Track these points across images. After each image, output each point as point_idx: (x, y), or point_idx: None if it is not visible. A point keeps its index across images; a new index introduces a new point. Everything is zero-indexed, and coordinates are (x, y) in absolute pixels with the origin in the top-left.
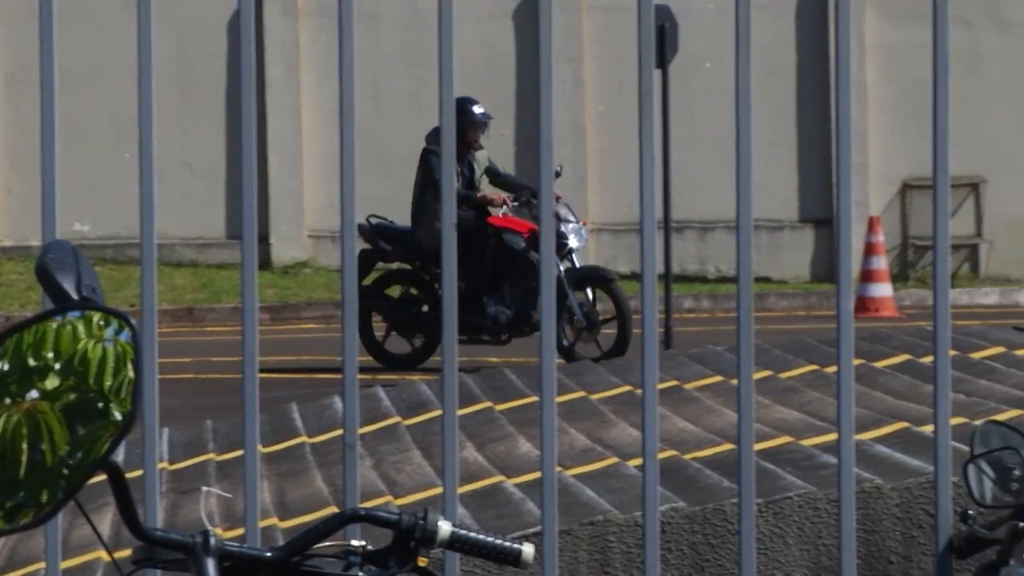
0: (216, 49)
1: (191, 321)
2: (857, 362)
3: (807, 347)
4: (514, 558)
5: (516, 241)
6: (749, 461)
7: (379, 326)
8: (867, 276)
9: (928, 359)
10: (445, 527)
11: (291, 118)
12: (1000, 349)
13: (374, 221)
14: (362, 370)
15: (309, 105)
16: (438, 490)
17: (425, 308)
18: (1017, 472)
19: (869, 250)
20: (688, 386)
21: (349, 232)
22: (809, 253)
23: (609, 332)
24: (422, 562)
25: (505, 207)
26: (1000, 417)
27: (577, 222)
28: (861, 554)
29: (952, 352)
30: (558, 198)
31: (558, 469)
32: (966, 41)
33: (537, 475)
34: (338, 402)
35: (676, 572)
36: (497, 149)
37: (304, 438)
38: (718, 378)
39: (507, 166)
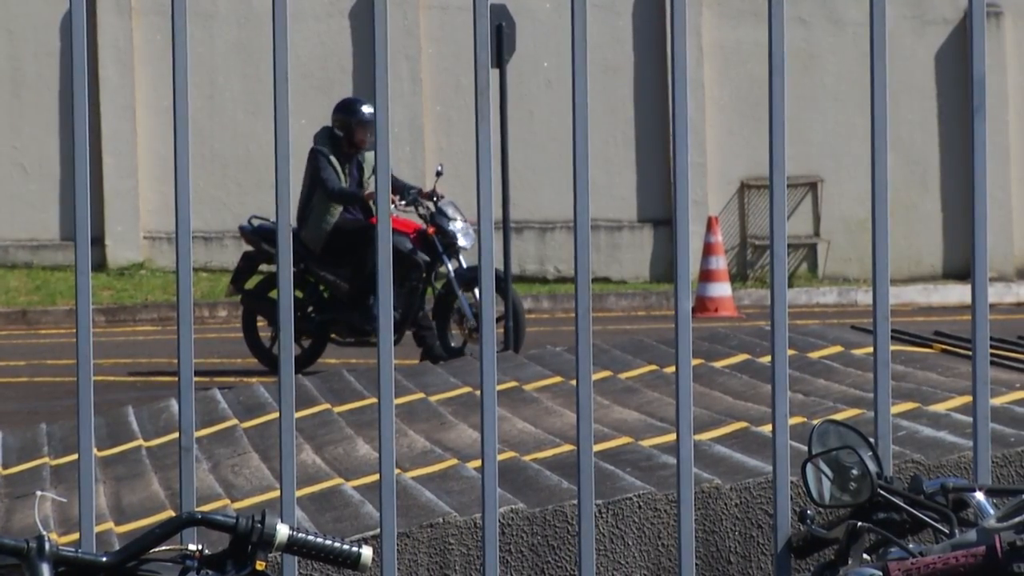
0: (49, 49)
1: (25, 324)
2: (696, 362)
3: (646, 347)
4: (353, 561)
5: (402, 242)
6: (588, 462)
7: (256, 327)
8: (706, 276)
9: (767, 359)
10: (283, 530)
11: (126, 118)
12: (838, 348)
13: (256, 223)
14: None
15: (144, 105)
16: (276, 493)
17: (310, 310)
18: (855, 471)
19: (708, 250)
20: (528, 387)
21: (184, 232)
22: (648, 253)
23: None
24: (260, 566)
25: (392, 207)
26: (838, 416)
27: (464, 221)
28: (700, 554)
29: (790, 351)
30: (442, 197)
31: (397, 471)
32: (802, 40)
33: (376, 477)
34: (175, 405)
35: (516, 574)
36: None
37: (140, 441)
38: (558, 379)
39: None
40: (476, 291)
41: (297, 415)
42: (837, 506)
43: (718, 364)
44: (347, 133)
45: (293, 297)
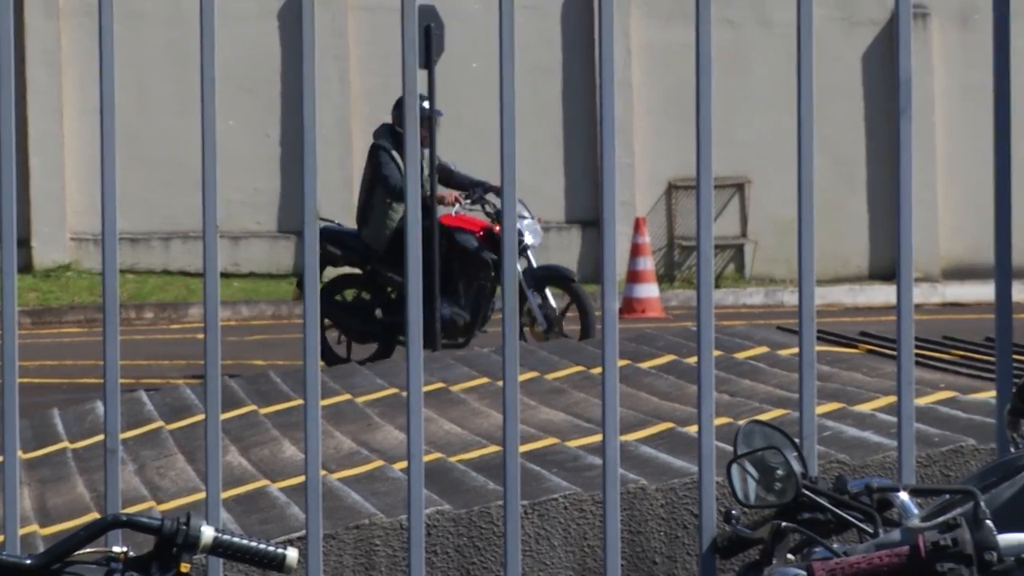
0: None
1: None
2: (623, 363)
3: (573, 348)
4: (278, 563)
5: (469, 240)
6: (514, 463)
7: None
8: (633, 277)
9: (693, 359)
10: (208, 532)
11: (53, 119)
12: (764, 349)
13: (321, 224)
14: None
15: (71, 106)
16: (202, 495)
17: (377, 313)
18: (780, 472)
19: (635, 251)
20: (454, 388)
21: (111, 234)
22: (576, 254)
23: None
24: (185, 568)
25: (457, 205)
26: (763, 417)
27: (532, 218)
28: (626, 555)
29: (717, 352)
30: None
31: (323, 472)
32: (731, 41)
33: (302, 479)
34: (100, 407)
35: (441, 575)
36: (263, 150)
37: (66, 443)
38: (484, 380)
39: (271, 168)
40: (547, 291)
41: (223, 416)
42: (762, 506)
43: (645, 365)
44: None
45: (361, 299)
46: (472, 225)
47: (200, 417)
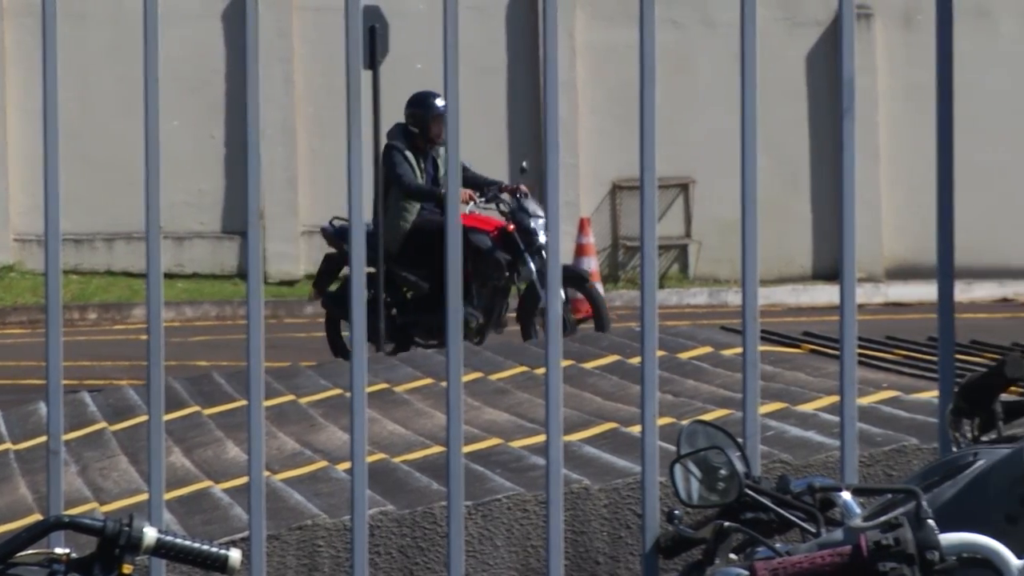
0: None
1: None
2: (566, 363)
3: (517, 349)
4: (221, 564)
5: (483, 240)
6: (458, 463)
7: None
8: None
9: (637, 360)
10: (151, 533)
11: None
12: (708, 349)
13: (337, 224)
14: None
15: (14, 107)
16: (144, 496)
17: (393, 312)
18: (723, 472)
19: (579, 251)
20: (398, 388)
21: (54, 234)
22: None
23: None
24: (127, 569)
25: (472, 204)
26: (707, 417)
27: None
28: (569, 555)
29: (660, 353)
30: (526, 194)
31: (267, 473)
32: (675, 42)
33: (245, 480)
34: (43, 408)
35: (385, 575)
36: (207, 151)
37: (8, 445)
38: (428, 380)
39: (216, 169)
40: (561, 292)
41: (167, 417)
42: (705, 506)
43: (588, 365)
44: (422, 128)
45: (375, 299)
46: (487, 225)
47: (143, 418)
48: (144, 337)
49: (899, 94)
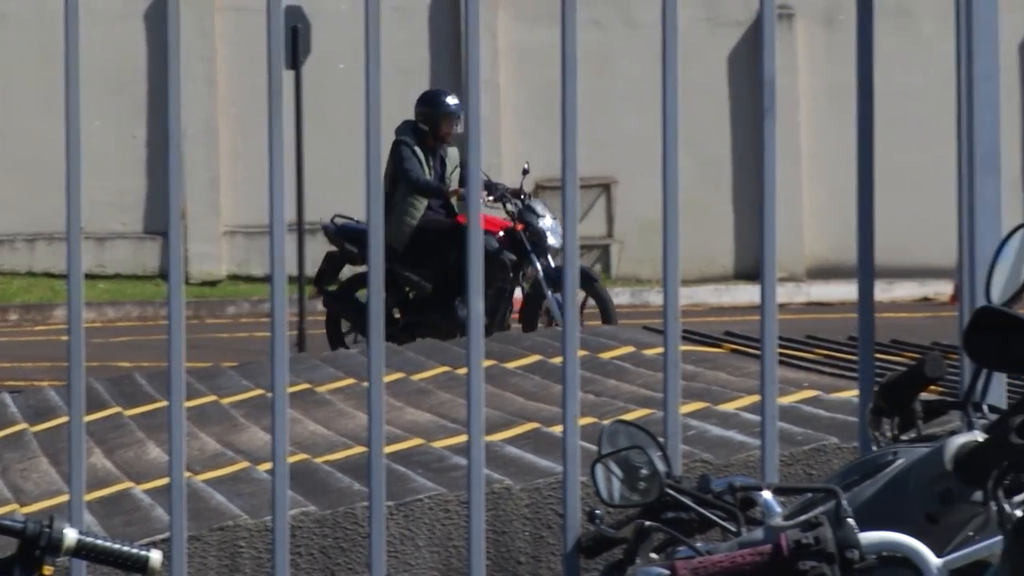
0: None
1: None
2: (488, 363)
3: (439, 349)
4: (142, 565)
5: (489, 241)
6: (379, 464)
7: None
8: None
9: (559, 359)
10: (71, 534)
11: None
12: (630, 349)
13: (339, 222)
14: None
15: None
16: (65, 497)
17: (395, 312)
18: (644, 471)
19: None
20: (320, 389)
21: None
22: None
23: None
24: (47, 570)
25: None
26: (628, 416)
27: (554, 219)
28: (491, 555)
29: (582, 352)
30: (530, 195)
31: (188, 474)
32: (597, 42)
33: (166, 480)
34: None
35: None
36: (129, 151)
37: None
38: (350, 380)
39: (138, 169)
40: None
41: (87, 418)
42: (626, 506)
43: (510, 365)
44: (432, 126)
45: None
46: (492, 225)
47: (64, 419)
48: (65, 338)
49: (820, 94)
